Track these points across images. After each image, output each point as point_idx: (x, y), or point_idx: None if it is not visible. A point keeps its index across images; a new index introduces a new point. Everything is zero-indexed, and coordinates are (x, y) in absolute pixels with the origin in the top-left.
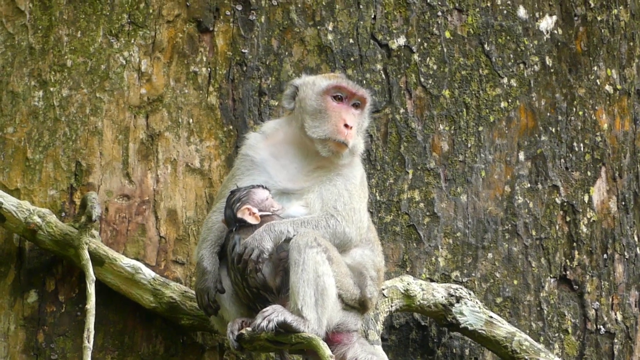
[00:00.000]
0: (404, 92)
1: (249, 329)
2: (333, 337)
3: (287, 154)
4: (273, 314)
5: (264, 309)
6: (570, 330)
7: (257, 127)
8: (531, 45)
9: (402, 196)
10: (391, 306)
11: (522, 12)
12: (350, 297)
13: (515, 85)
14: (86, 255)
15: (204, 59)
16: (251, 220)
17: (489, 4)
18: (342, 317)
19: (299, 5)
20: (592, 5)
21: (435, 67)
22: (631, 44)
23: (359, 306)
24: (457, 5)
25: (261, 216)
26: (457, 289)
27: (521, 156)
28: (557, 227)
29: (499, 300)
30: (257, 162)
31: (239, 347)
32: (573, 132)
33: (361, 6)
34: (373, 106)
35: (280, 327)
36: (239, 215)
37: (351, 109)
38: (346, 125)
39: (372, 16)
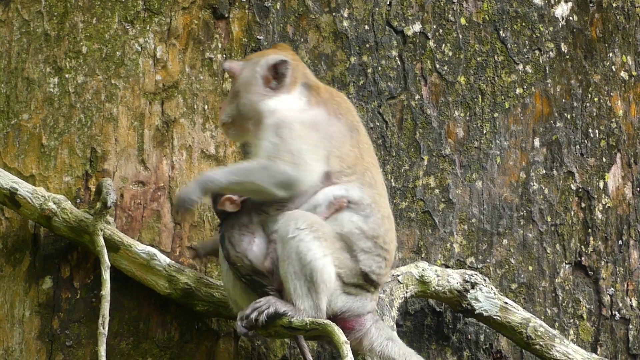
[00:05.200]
0: (420, 79)
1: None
2: (344, 325)
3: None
4: (264, 306)
5: (257, 300)
6: (585, 317)
7: None
8: (546, 31)
9: (417, 182)
10: (406, 292)
11: None
12: (351, 273)
13: (530, 71)
14: (101, 241)
15: (220, 45)
16: (231, 208)
17: None
18: (346, 301)
19: None
20: None
21: (450, 53)
22: None
23: (365, 282)
24: None
25: (242, 202)
26: (472, 275)
27: (536, 142)
28: (572, 213)
29: (514, 286)
30: None
31: (246, 333)
32: (588, 119)
33: None
34: (389, 93)
35: (270, 320)
36: (220, 207)
37: None
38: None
39: (388, 2)
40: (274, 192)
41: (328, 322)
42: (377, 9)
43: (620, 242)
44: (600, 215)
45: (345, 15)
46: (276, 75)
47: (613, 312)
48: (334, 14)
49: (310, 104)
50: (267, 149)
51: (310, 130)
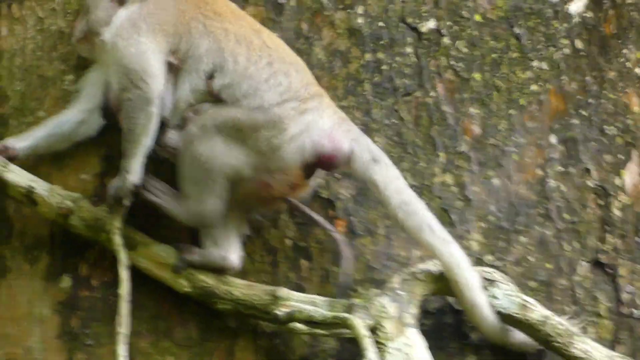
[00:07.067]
0: (435, 76)
1: (285, 310)
2: (324, 161)
3: None
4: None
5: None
6: (603, 314)
7: None
8: (561, 28)
9: (434, 180)
10: (425, 290)
11: None
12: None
13: (545, 68)
14: (119, 240)
15: None
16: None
17: None
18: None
19: None
20: None
21: (465, 50)
22: None
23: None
24: None
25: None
26: (490, 273)
27: (552, 139)
28: (590, 210)
29: (532, 284)
30: None
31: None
32: (604, 115)
33: None
34: (404, 90)
35: None
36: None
37: None
38: None
39: None
40: (146, 118)
41: (349, 315)
42: (391, 5)
43: (637, 238)
44: (617, 212)
45: (360, 12)
46: None
47: (632, 309)
48: (348, 10)
49: (130, 4)
50: (118, 83)
51: (132, 32)
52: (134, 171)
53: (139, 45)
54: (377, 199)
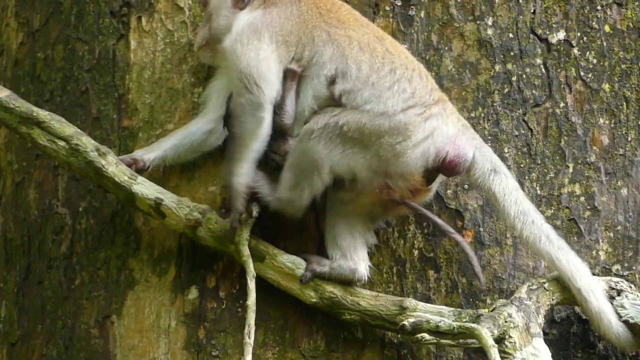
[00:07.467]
0: (564, 86)
1: (412, 320)
2: (447, 166)
3: None
4: None
5: None
6: None
7: None
8: None
9: (563, 190)
10: (552, 299)
11: None
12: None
13: None
14: (246, 251)
15: None
16: None
17: None
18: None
19: (458, 0)
20: None
21: (595, 61)
22: None
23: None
24: None
25: None
26: (617, 282)
27: None
28: None
29: None
30: None
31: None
32: None
33: (520, 0)
34: (533, 101)
35: None
36: None
37: None
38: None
39: (532, 10)
40: (256, 123)
41: (475, 326)
42: (521, 17)
43: None
44: None
45: (490, 23)
46: None
47: None
48: (478, 22)
49: (252, 10)
50: (233, 88)
51: (253, 38)
52: (243, 174)
53: (259, 51)
54: (496, 210)
